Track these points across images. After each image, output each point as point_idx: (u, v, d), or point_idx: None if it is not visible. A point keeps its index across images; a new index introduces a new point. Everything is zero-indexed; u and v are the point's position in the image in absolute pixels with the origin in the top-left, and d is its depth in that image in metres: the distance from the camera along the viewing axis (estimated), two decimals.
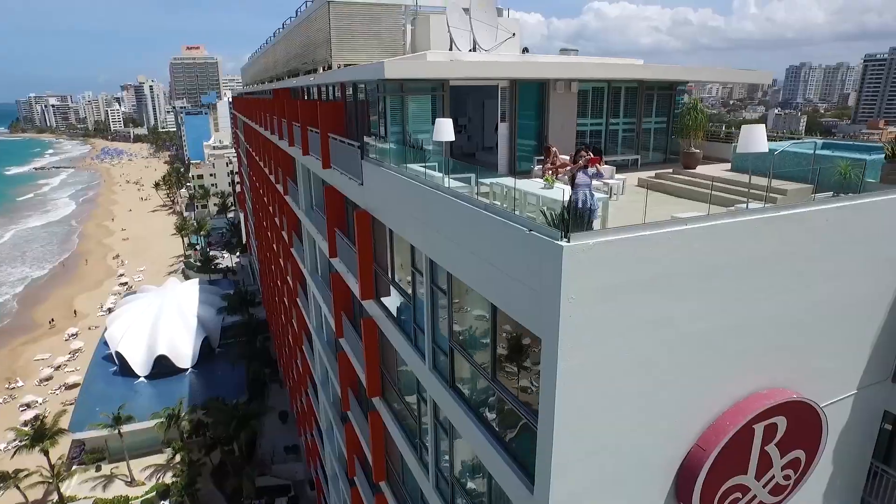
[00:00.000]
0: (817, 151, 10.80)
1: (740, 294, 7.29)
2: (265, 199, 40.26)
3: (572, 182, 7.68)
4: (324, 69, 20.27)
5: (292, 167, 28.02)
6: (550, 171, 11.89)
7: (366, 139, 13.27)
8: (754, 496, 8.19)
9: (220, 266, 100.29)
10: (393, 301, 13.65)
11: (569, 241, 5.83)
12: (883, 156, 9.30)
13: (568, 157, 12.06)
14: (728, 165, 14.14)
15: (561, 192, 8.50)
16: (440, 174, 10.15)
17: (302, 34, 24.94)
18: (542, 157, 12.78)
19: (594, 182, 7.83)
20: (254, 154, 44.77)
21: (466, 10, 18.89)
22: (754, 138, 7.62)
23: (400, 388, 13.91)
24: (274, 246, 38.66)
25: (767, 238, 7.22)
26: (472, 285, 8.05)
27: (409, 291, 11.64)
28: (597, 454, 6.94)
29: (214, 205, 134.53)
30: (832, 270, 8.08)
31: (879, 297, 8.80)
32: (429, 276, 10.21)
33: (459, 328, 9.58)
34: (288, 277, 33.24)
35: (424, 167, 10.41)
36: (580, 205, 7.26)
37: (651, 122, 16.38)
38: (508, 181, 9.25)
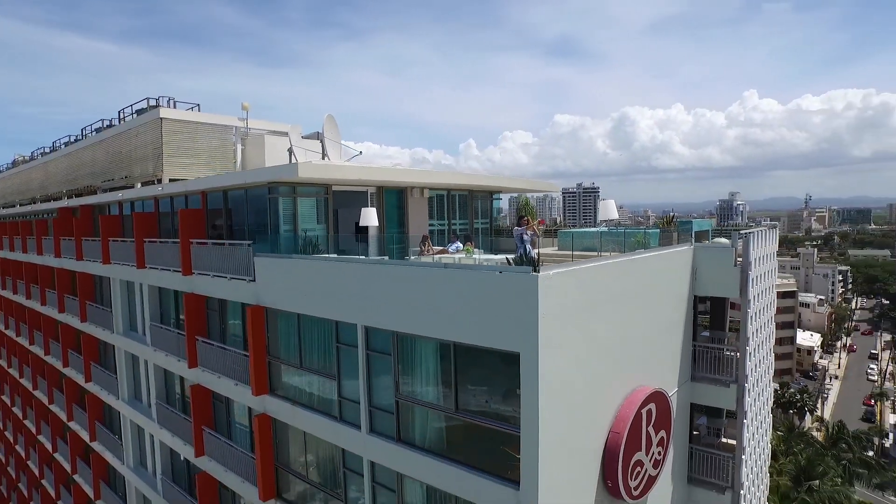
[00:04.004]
0: (611, 231, 15.55)
1: (630, 315, 10.61)
2: (24, 337, 33.84)
3: (521, 238, 10.32)
4: (142, 185, 20.19)
5: (93, 291, 25.34)
6: (431, 254, 14.45)
7: (258, 237, 14.18)
8: (646, 470, 10.99)
9: None
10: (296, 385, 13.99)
11: (538, 273, 8.30)
12: (658, 231, 14.06)
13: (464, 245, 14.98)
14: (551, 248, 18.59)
15: (485, 256, 11.05)
16: (365, 257, 11.84)
17: (110, 149, 23.97)
18: (420, 246, 15.26)
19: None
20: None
21: (308, 136, 21.37)
22: (609, 209, 11.46)
23: (309, 478, 13.83)
24: (39, 394, 32.20)
25: (639, 274, 10.80)
26: (438, 335, 9.77)
27: (332, 369, 12.45)
28: (563, 446, 9.02)
29: None
30: (661, 300, 12.06)
31: (679, 321, 13.08)
32: (363, 345, 11.44)
33: (406, 383, 10.94)
34: (72, 423, 28.04)
35: (350, 256, 11.93)
36: (527, 252, 9.88)
37: (479, 223, 20.45)
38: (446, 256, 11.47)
